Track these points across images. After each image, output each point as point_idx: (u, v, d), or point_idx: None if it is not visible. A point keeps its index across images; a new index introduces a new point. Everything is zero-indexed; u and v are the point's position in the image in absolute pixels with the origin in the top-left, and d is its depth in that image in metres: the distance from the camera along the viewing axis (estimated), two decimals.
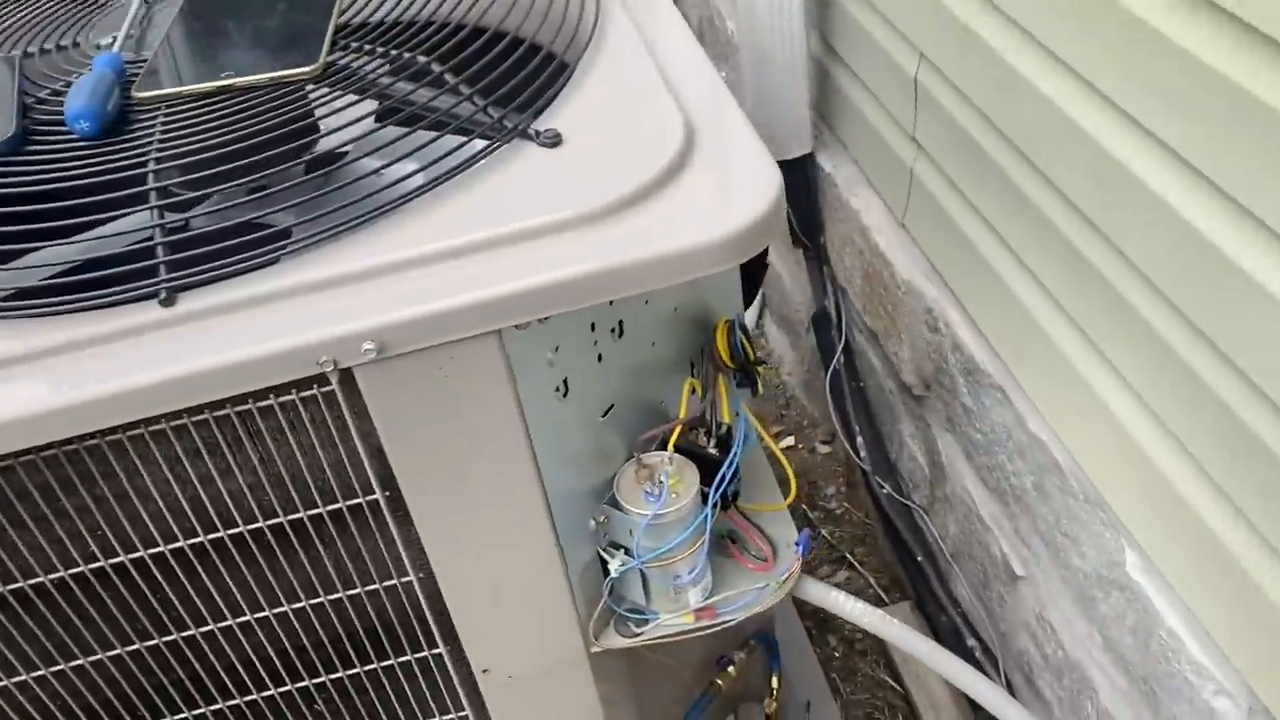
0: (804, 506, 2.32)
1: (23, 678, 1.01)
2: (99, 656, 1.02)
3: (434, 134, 0.98)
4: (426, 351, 0.89)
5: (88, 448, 0.89)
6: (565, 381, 1.01)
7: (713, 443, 1.16)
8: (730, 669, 1.50)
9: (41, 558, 0.95)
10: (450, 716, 1.21)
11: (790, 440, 2.51)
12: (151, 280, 0.89)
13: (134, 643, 1.03)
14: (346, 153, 1.01)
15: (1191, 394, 1.07)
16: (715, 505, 1.13)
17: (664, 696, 1.47)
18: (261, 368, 0.86)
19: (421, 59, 1.06)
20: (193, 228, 0.94)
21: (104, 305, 0.89)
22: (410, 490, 0.98)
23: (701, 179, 0.95)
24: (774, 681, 1.65)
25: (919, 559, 1.88)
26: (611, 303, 1.03)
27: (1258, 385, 0.97)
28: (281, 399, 0.90)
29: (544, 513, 1.04)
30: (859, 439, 2.02)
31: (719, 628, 1.20)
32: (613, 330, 1.05)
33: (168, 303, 0.88)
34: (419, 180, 0.96)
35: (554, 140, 1.00)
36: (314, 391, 0.90)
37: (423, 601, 1.08)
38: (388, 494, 0.99)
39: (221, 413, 0.90)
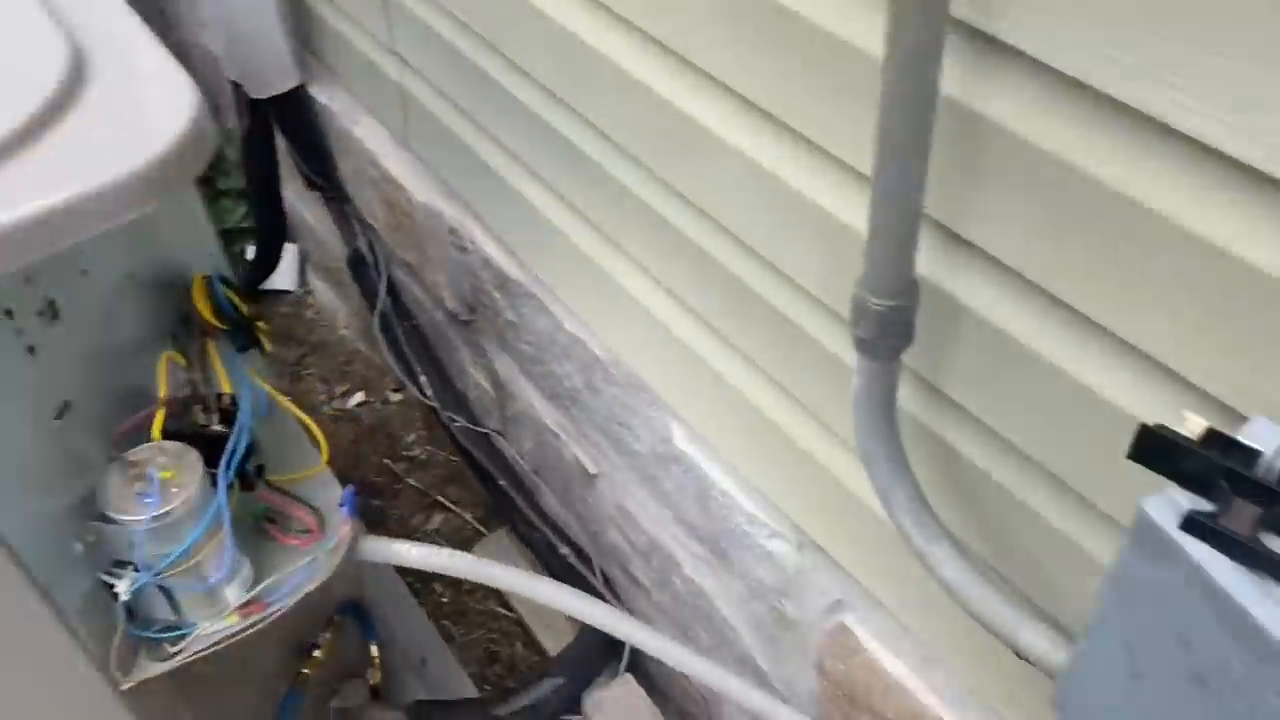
0: (386, 461, 2.21)
1: None
2: None
3: None
4: None
5: None
6: None
7: (215, 417, 1.02)
8: (316, 653, 1.38)
9: None
10: None
11: (361, 395, 2.38)
12: None
13: None
14: None
15: (672, 246, 1.08)
16: (231, 486, 0.99)
17: (249, 701, 1.31)
18: None
19: None
20: None
21: None
22: None
23: (98, 111, 0.79)
24: (372, 650, 1.55)
25: (504, 484, 1.84)
26: (29, 280, 0.84)
27: (735, 234, 0.99)
28: None
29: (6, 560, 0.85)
30: (422, 378, 1.93)
31: (272, 617, 1.07)
32: (41, 313, 0.86)
33: None
34: None
35: None
36: None
37: None
38: None
39: None
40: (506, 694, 1.50)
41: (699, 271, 1.07)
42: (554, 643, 1.78)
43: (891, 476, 0.80)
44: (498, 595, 1.95)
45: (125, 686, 1.00)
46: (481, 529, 2.08)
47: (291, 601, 1.07)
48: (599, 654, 1.57)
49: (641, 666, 1.66)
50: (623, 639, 1.21)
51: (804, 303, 0.95)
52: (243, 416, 1.01)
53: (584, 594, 1.16)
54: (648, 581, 1.57)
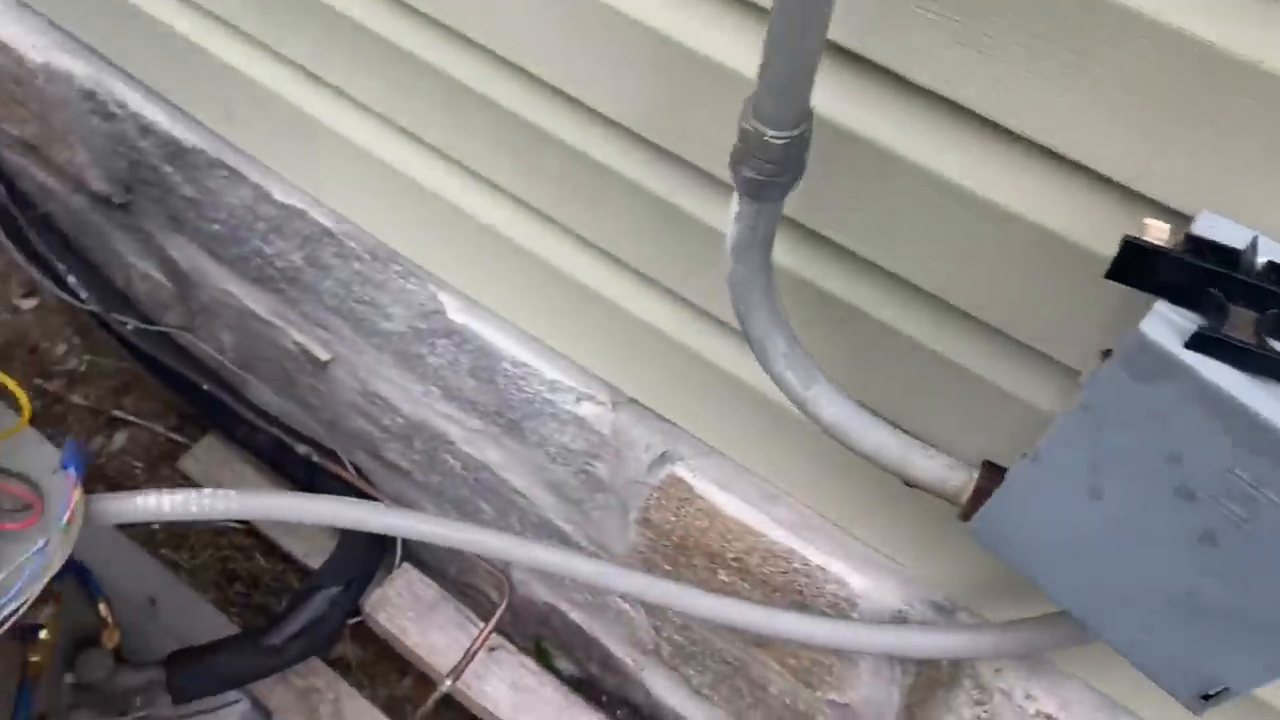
0: (37, 381, 1.85)
1: None
2: None
3: None
4: None
5: None
6: None
7: None
8: (42, 635, 1.13)
9: None
10: None
11: None
12: None
13: None
14: None
15: (412, 76, 0.90)
16: None
17: None
18: None
19: None
20: None
21: None
22: None
23: None
24: (102, 611, 1.31)
25: (203, 386, 1.58)
26: None
27: (513, 62, 0.83)
28: None
29: None
30: (70, 279, 1.59)
31: (8, 624, 0.84)
32: None
33: None
34: None
35: None
36: None
37: None
38: None
39: None
40: (276, 620, 1.33)
41: (458, 107, 0.91)
42: (299, 545, 1.61)
43: (769, 325, 0.73)
44: None
45: None
46: (179, 439, 1.81)
47: (28, 601, 0.84)
48: (369, 552, 1.43)
49: (415, 553, 1.55)
50: (407, 536, 1.08)
51: (615, 140, 0.82)
52: None
53: (375, 504, 1.02)
54: (408, 464, 1.44)
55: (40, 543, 0.85)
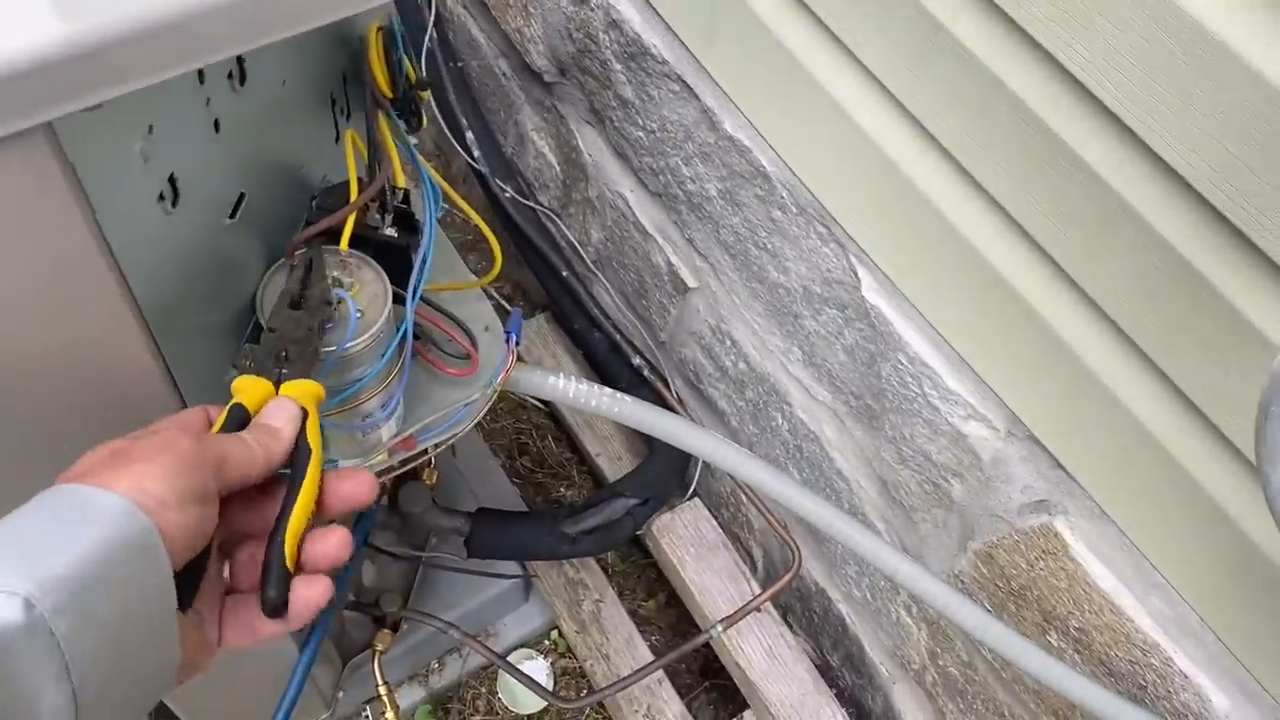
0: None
1: None
2: None
3: None
4: None
5: None
6: (173, 181, 0.59)
7: (389, 219, 0.80)
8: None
9: None
10: None
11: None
12: None
13: None
14: None
15: (959, 75, 0.88)
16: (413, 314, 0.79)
17: None
18: None
19: None
20: None
21: None
22: None
23: None
24: (431, 448, 1.40)
25: (554, 266, 1.64)
26: None
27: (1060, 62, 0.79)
28: None
29: (160, 380, 0.64)
30: (468, 134, 1.67)
31: (419, 460, 0.90)
32: (231, 75, 0.62)
33: None
34: None
35: None
36: None
37: None
38: None
39: None
40: (576, 511, 1.39)
41: (969, 93, 0.88)
42: (593, 444, 1.66)
43: None
44: None
45: None
46: (506, 305, 1.89)
47: (442, 445, 0.90)
48: (670, 476, 1.46)
49: (704, 488, 1.57)
50: (731, 471, 1.08)
51: (1141, 163, 0.77)
52: (429, 226, 0.80)
53: (717, 436, 1.02)
54: (729, 408, 1.45)
55: (472, 395, 0.90)
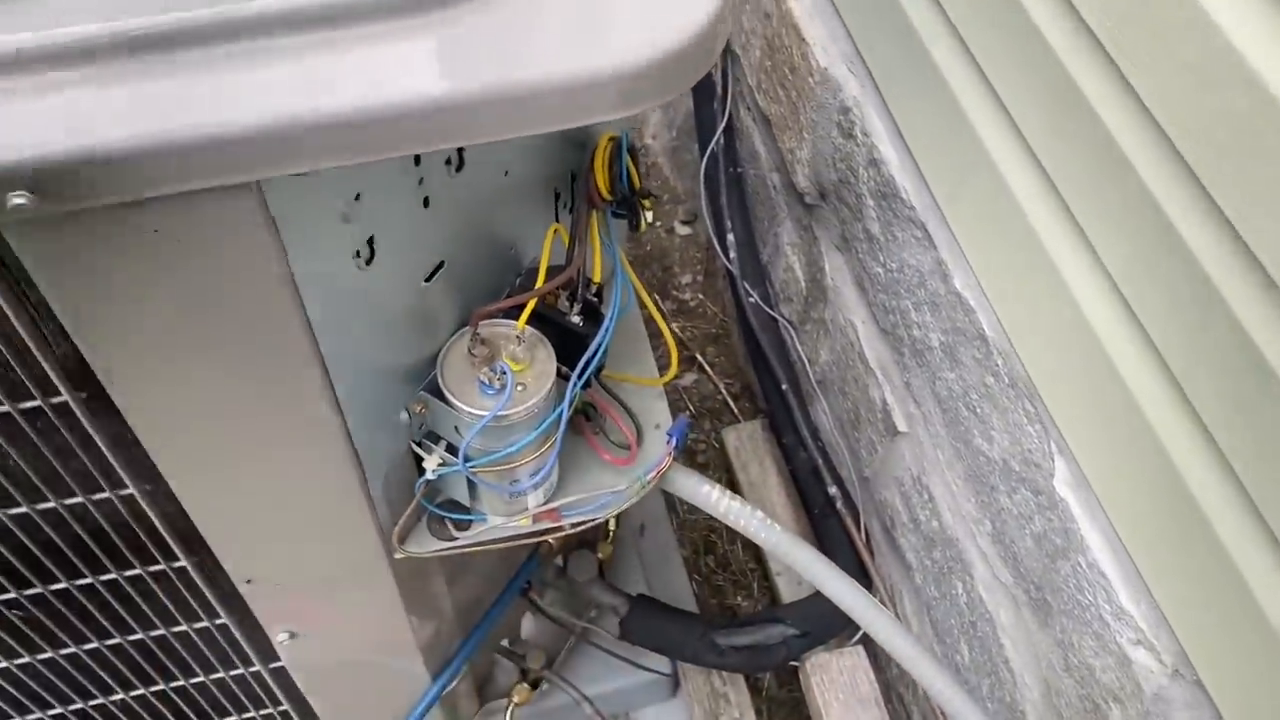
0: (654, 296, 2.06)
1: None
2: None
3: None
4: (126, 208, 0.53)
5: None
6: (371, 242, 0.67)
7: (577, 308, 0.86)
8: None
9: None
10: (203, 624, 0.93)
11: (649, 216, 2.21)
12: None
13: None
14: None
15: (1188, 293, 0.82)
16: (574, 398, 0.84)
17: (492, 561, 1.23)
18: None
19: None
20: None
21: None
22: (119, 388, 0.65)
23: None
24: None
25: (777, 377, 1.66)
26: None
27: None
28: None
29: (330, 409, 0.73)
30: (730, 235, 1.74)
31: (562, 532, 0.95)
32: (449, 161, 0.70)
33: None
34: None
35: None
36: None
37: (153, 516, 0.77)
38: (84, 394, 0.65)
39: None
40: (731, 625, 1.38)
41: (1190, 308, 0.82)
42: (777, 561, 1.65)
43: None
44: (732, 485, 1.82)
45: (398, 556, 0.90)
46: (732, 404, 1.93)
47: (588, 523, 0.94)
48: (840, 616, 1.42)
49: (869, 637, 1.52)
50: (883, 645, 1.04)
51: None
52: (609, 320, 0.85)
53: (863, 593, 1.00)
54: (915, 562, 1.40)
55: (621, 485, 0.93)
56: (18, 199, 0.50)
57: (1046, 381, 1.04)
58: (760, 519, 0.99)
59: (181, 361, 0.64)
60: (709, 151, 1.74)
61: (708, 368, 1.97)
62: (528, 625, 1.46)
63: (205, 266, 0.58)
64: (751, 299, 1.70)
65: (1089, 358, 0.96)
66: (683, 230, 2.16)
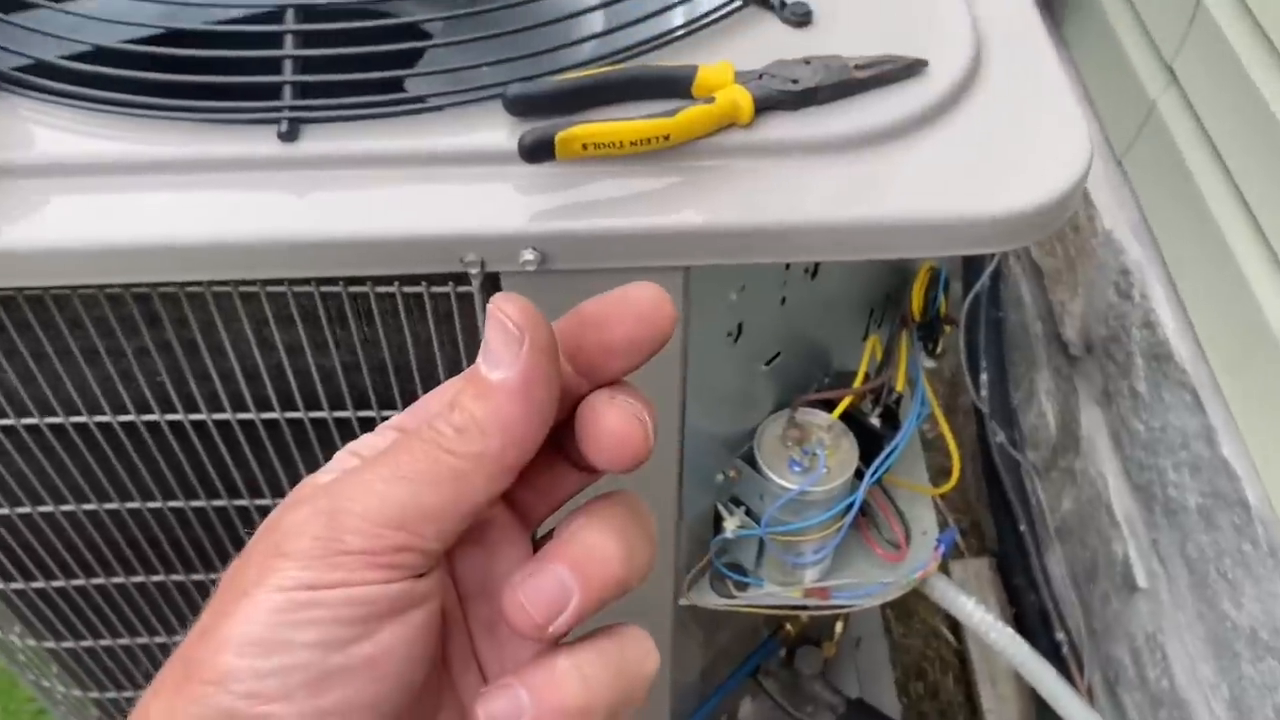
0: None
1: (59, 509, 0.88)
2: (119, 505, 0.89)
3: None
4: (596, 273, 0.69)
5: (162, 294, 0.72)
6: (740, 326, 0.82)
7: (877, 410, 0.98)
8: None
9: (87, 394, 0.80)
10: None
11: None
12: (274, 104, 0.69)
13: (175, 498, 0.89)
14: None
15: None
16: (866, 491, 0.95)
17: (736, 632, 1.34)
18: (394, 251, 0.67)
19: None
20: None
21: (211, 118, 0.69)
22: None
23: (984, 116, 0.72)
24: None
25: (1015, 518, 1.71)
26: None
27: None
28: (407, 289, 0.71)
29: (675, 461, 0.87)
30: (983, 375, 1.82)
31: (826, 611, 1.05)
32: (808, 270, 0.85)
33: (289, 137, 0.68)
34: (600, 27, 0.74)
35: (802, 18, 0.76)
36: (448, 289, 0.71)
37: None
38: None
39: (331, 289, 0.72)
40: None
41: None
42: (990, 699, 1.67)
43: None
44: (947, 616, 1.86)
45: (683, 603, 1.03)
46: (959, 541, 1.98)
47: (853, 608, 1.04)
48: None
49: None
50: None
51: None
52: (908, 428, 0.97)
53: None
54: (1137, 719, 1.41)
55: (884, 583, 1.03)
56: (528, 255, 0.67)
57: None
58: (1012, 635, 1.06)
59: None
60: (974, 292, 1.83)
61: (937, 499, 2.03)
62: (746, 706, 1.54)
63: None
64: (998, 439, 1.76)
65: None
66: (926, 363, 2.25)
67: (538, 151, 0.65)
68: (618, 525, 0.31)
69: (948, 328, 1.04)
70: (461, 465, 0.29)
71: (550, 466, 0.34)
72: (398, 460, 0.29)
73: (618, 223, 0.66)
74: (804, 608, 1.05)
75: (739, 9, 0.77)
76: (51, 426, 0.80)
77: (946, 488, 1.09)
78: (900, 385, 0.98)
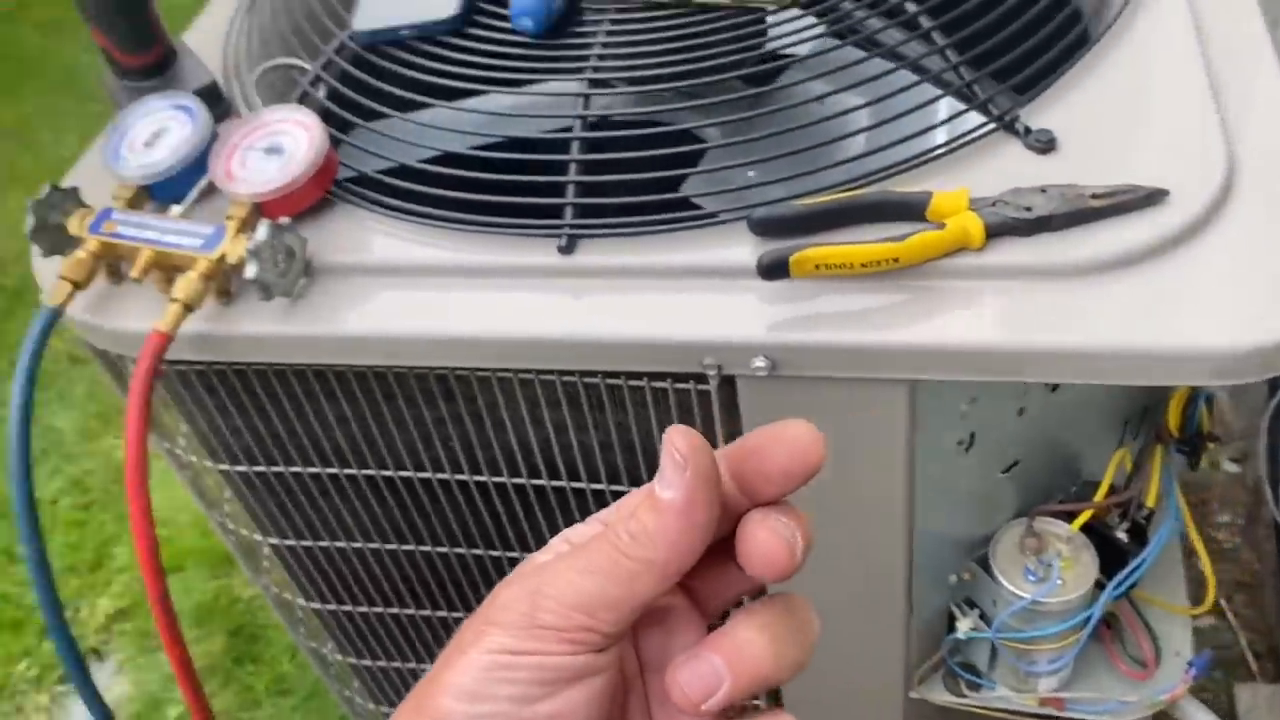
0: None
1: (366, 546, 1.04)
2: (414, 547, 1.03)
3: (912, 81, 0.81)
4: (823, 381, 0.75)
5: (457, 375, 0.85)
6: (972, 435, 0.84)
7: (1125, 525, 0.96)
8: None
9: (394, 453, 0.95)
10: None
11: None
12: (556, 222, 0.81)
13: (458, 545, 1.03)
14: (783, 68, 0.88)
15: None
16: (1106, 606, 0.94)
17: None
18: (645, 352, 0.77)
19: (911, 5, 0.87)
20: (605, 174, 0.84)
21: (503, 232, 0.82)
22: None
23: (1226, 248, 0.72)
24: None
25: None
26: None
27: None
28: (655, 384, 0.80)
29: (902, 562, 0.90)
30: None
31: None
32: (1050, 386, 0.86)
33: (567, 250, 0.80)
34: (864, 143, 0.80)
35: (1046, 145, 0.79)
36: (689, 386, 0.80)
37: None
38: None
39: (592, 380, 0.82)
40: None
41: None
42: None
43: None
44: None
45: (913, 696, 1.04)
46: (1250, 662, 1.82)
47: None
48: None
49: None
50: None
51: None
52: (1155, 545, 0.94)
53: None
54: None
55: (1125, 701, 1.00)
56: (759, 362, 0.74)
57: None
58: None
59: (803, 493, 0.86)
60: (1277, 399, 1.70)
61: (1230, 615, 1.88)
62: None
63: (855, 430, 0.79)
64: None
65: None
66: (1230, 468, 2.09)
67: (774, 271, 0.72)
68: (770, 627, 0.36)
69: (1211, 444, 1.00)
70: (635, 568, 0.35)
71: (722, 567, 0.39)
72: (589, 556, 0.35)
73: (844, 336, 0.72)
74: (1037, 716, 1.03)
75: (987, 134, 0.81)
76: (366, 478, 0.96)
77: (1201, 609, 1.04)
78: (1151, 500, 0.96)
